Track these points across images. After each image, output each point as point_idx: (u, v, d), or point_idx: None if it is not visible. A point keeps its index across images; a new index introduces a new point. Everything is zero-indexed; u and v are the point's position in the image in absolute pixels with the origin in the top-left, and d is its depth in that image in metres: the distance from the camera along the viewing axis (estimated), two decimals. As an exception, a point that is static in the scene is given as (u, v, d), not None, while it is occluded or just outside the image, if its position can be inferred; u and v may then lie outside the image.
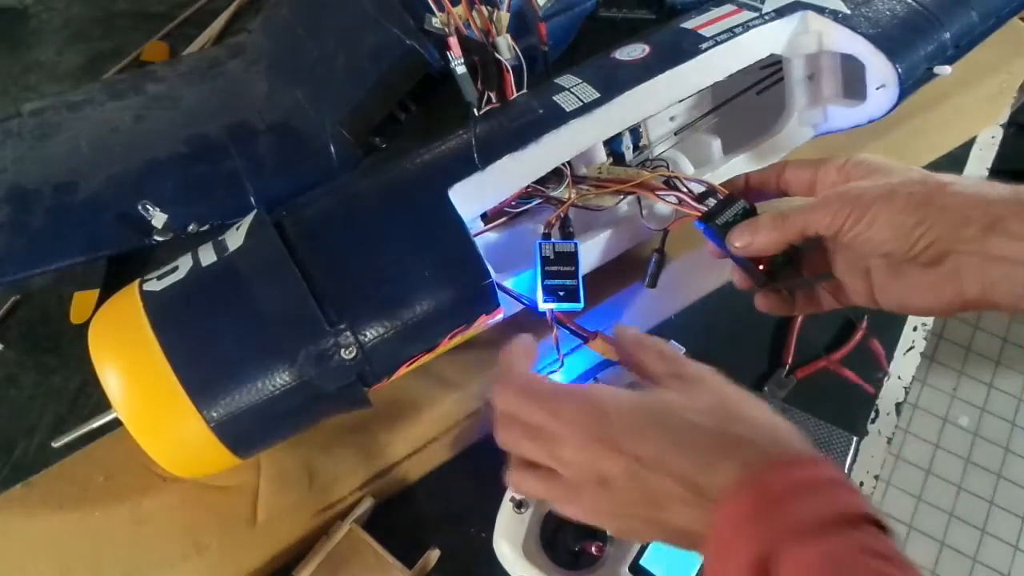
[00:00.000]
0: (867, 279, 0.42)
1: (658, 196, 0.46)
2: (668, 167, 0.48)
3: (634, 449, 0.33)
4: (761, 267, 0.43)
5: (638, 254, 0.52)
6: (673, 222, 0.48)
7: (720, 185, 0.45)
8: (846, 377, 0.58)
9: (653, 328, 0.58)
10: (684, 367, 0.37)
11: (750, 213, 0.43)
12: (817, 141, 0.55)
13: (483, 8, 0.48)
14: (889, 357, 0.60)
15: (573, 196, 0.47)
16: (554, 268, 0.44)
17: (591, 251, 0.48)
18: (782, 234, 0.40)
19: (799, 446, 0.32)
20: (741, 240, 0.42)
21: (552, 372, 0.49)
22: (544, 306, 0.44)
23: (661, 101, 0.48)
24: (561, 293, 0.43)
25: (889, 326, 0.61)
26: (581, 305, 0.44)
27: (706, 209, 0.44)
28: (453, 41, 0.46)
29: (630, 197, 0.49)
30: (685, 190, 0.46)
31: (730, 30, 0.49)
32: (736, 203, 0.44)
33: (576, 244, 0.45)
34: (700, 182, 0.46)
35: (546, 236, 0.46)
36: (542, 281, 0.44)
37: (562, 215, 0.47)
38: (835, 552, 0.27)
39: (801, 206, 0.40)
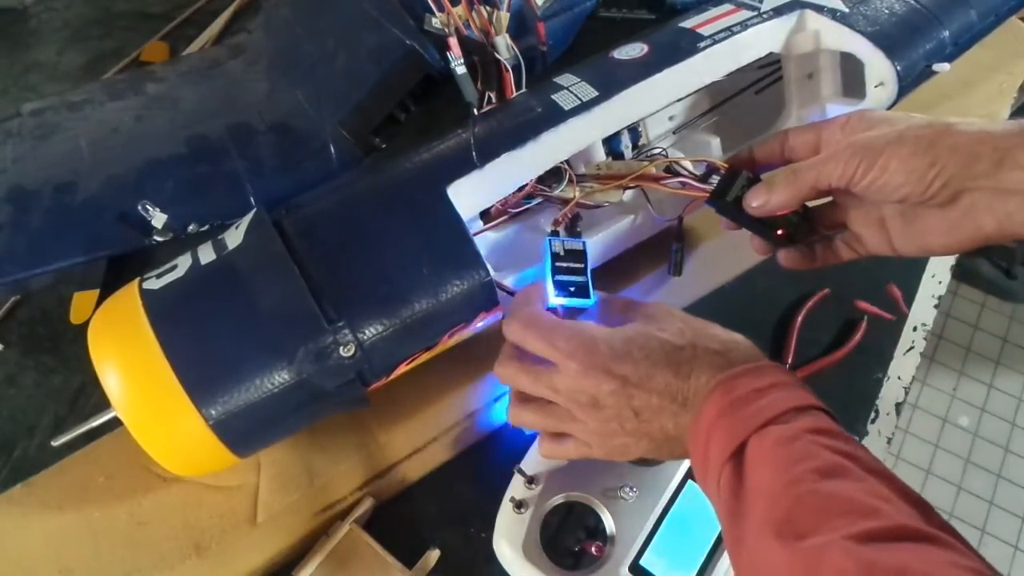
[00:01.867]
0: (883, 228, 0.42)
1: (662, 184, 0.46)
2: (666, 154, 0.48)
3: (622, 371, 0.38)
4: (779, 232, 0.44)
5: (639, 254, 0.52)
6: (685, 208, 0.49)
7: (724, 160, 0.45)
8: (870, 313, 0.60)
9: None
10: (646, 307, 0.42)
11: (755, 182, 0.43)
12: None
13: (483, 8, 0.48)
14: (889, 357, 0.60)
15: (578, 194, 0.47)
16: (564, 264, 0.44)
17: (604, 245, 0.48)
18: (797, 189, 0.41)
19: (756, 356, 0.39)
20: (758, 200, 0.42)
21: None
22: (555, 300, 0.44)
23: (660, 100, 0.48)
24: (572, 289, 0.44)
25: (889, 326, 0.61)
26: (592, 301, 0.44)
27: (712, 187, 0.44)
28: (453, 41, 0.46)
29: (634, 190, 0.49)
30: (687, 173, 0.46)
31: (728, 29, 0.49)
32: (739, 175, 0.43)
33: (585, 242, 0.45)
34: (699, 162, 0.46)
35: (554, 233, 0.46)
36: (553, 276, 0.44)
37: (569, 214, 0.47)
38: (786, 433, 0.33)
39: (813, 160, 0.41)
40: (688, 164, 0.46)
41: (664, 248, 0.51)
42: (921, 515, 0.30)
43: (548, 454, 0.43)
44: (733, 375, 0.36)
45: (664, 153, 0.48)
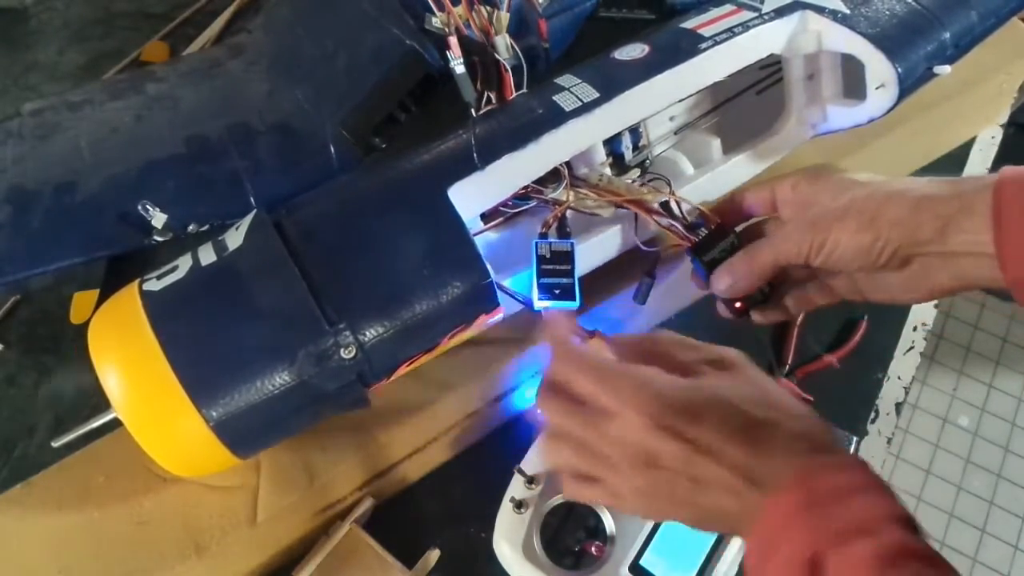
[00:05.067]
0: (850, 280, 0.44)
1: (653, 218, 0.47)
2: (669, 183, 0.48)
3: (691, 433, 0.34)
4: (737, 305, 0.46)
5: (638, 255, 0.52)
6: (663, 248, 0.49)
7: (712, 209, 0.47)
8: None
9: (653, 328, 0.58)
10: (715, 352, 0.38)
11: (736, 247, 0.45)
12: (817, 141, 0.55)
13: (483, 8, 0.48)
14: (889, 357, 0.60)
15: (571, 199, 0.47)
16: (550, 267, 0.44)
17: (590, 252, 0.48)
18: (759, 274, 0.43)
19: (838, 444, 0.35)
20: (722, 284, 0.44)
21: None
22: (539, 304, 0.44)
23: (661, 101, 0.48)
24: (557, 291, 0.44)
25: (889, 326, 0.61)
26: (577, 304, 0.44)
27: (696, 241, 0.46)
28: (453, 41, 0.46)
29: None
30: (679, 215, 0.47)
31: (729, 30, 0.49)
32: (726, 237, 0.46)
33: (572, 243, 0.45)
34: (694, 207, 0.47)
35: (543, 236, 0.46)
36: (538, 279, 0.44)
37: (559, 216, 0.47)
38: (883, 553, 0.28)
39: (768, 241, 0.43)
40: (684, 205, 0.47)
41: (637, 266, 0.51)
42: None
43: (571, 494, 0.40)
44: (817, 465, 0.32)
45: (668, 182, 0.48)
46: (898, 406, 0.58)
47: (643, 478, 0.35)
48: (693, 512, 0.35)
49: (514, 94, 0.48)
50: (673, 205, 0.47)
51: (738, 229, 0.48)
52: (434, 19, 0.49)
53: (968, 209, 0.36)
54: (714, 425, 0.34)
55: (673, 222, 0.46)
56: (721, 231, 0.46)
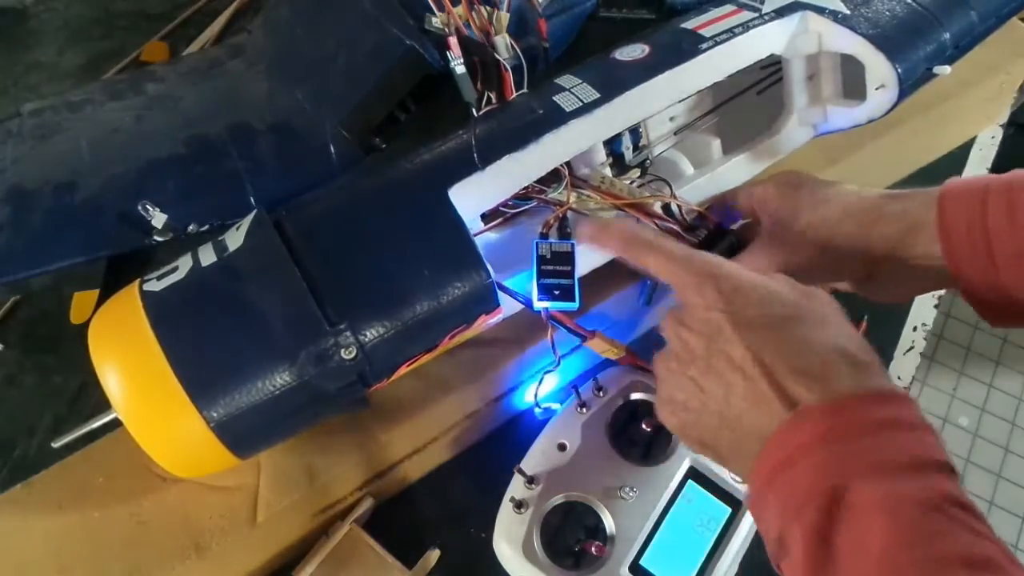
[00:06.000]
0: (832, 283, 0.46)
1: (654, 221, 0.47)
2: (670, 186, 0.48)
3: (741, 315, 0.32)
4: None
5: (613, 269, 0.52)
6: None
7: (709, 208, 0.48)
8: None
9: (652, 329, 0.58)
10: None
11: (738, 248, 0.46)
12: (817, 141, 0.55)
13: (483, 8, 0.48)
14: (889, 357, 0.60)
15: (572, 200, 0.47)
16: (550, 267, 0.44)
17: (590, 253, 0.48)
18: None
19: (888, 380, 0.32)
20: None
21: (548, 372, 0.49)
22: (539, 304, 0.44)
23: (661, 101, 0.48)
24: (556, 292, 0.44)
25: (889, 326, 0.61)
26: (576, 305, 0.44)
27: (695, 243, 0.46)
28: (453, 41, 0.46)
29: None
30: (679, 218, 0.47)
31: (730, 30, 0.49)
32: (725, 237, 0.46)
33: (573, 244, 0.45)
34: (692, 209, 0.47)
35: (544, 236, 0.46)
36: (538, 280, 0.44)
37: (560, 216, 0.47)
38: (921, 495, 0.27)
39: (736, 259, 0.44)
40: (684, 206, 0.47)
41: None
42: None
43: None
44: (858, 394, 0.29)
45: (668, 184, 0.48)
46: (898, 406, 0.58)
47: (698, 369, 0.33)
48: (720, 425, 0.33)
49: (514, 94, 0.48)
50: (674, 207, 0.47)
51: (734, 227, 0.48)
52: (434, 19, 0.49)
53: (917, 226, 0.37)
54: (777, 340, 0.32)
55: (673, 225, 0.47)
56: (719, 232, 0.46)
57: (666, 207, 0.47)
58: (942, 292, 0.64)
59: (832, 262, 0.41)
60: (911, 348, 0.61)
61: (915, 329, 0.62)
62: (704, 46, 0.48)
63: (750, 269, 0.37)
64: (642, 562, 0.44)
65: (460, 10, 0.48)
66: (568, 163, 0.48)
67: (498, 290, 0.43)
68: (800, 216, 0.43)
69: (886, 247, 0.39)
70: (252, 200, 0.55)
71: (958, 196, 0.37)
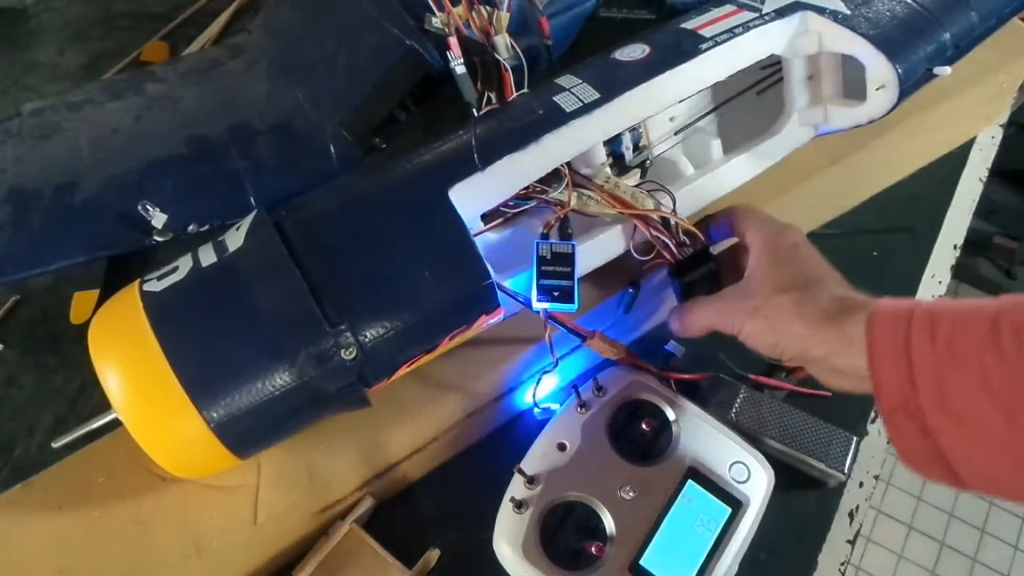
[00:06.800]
0: None
1: (649, 233, 0.47)
2: (673, 198, 0.48)
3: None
4: None
5: (619, 263, 0.52)
6: (649, 264, 0.50)
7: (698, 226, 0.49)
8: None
9: (652, 329, 0.58)
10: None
11: (713, 274, 0.48)
12: (817, 141, 0.55)
13: (483, 8, 0.48)
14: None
15: (573, 201, 0.47)
16: (550, 268, 0.44)
17: (590, 253, 0.48)
18: (697, 332, 0.47)
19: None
20: (674, 326, 0.48)
21: (547, 372, 0.49)
22: (538, 305, 0.44)
23: (661, 101, 0.48)
24: (556, 293, 0.44)
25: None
26: (575, 307, 0.44)
27: (678, 260, 0.47)
28: (453, 41, 0.46)
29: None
30: (674, 233, 0.48)
31: (730, 30, 0.49)
32: (707, 262, 0.47)
33: (574, 245, 0.45)
34: (688, 229, 0.48)
35: (544, 236, 0.46)
36: (537, 281, 0.44)
37: (561, 217, 0.47)
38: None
39: (707, 303, 0.46)
40: (684, 225, 0.48)
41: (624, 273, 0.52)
42: None
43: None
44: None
45: (671, 195, 0.48)
46: (898, 406, 0.58)
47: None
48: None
49: (514, 94, 0.48)
50: (672, 222, 0.48)
51: (722, 245, 0.49)
52: (434, 19, 0.49)
53: (849, 341, 0.39)
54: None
55: (667, 239, 0.47)
56: (704, 255, 0.48)
57: (665, 220, 0.47)
58: (942, 292, 0.64)
59: (772, 345, 0.43)
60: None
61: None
62: (704, 46, 0.48)
63: (712, 323, 0.46)
64: (642, 562, 0.44)
65: (460, 10, 0.48)
66: (569, 164, 0.48)
67: (498, 291, 0.43)
68: (764, 287, 0.44)
69: (822, 353, 0.41)
70: (252, 200, 0.55)
71: (883, 322, 0.39)
